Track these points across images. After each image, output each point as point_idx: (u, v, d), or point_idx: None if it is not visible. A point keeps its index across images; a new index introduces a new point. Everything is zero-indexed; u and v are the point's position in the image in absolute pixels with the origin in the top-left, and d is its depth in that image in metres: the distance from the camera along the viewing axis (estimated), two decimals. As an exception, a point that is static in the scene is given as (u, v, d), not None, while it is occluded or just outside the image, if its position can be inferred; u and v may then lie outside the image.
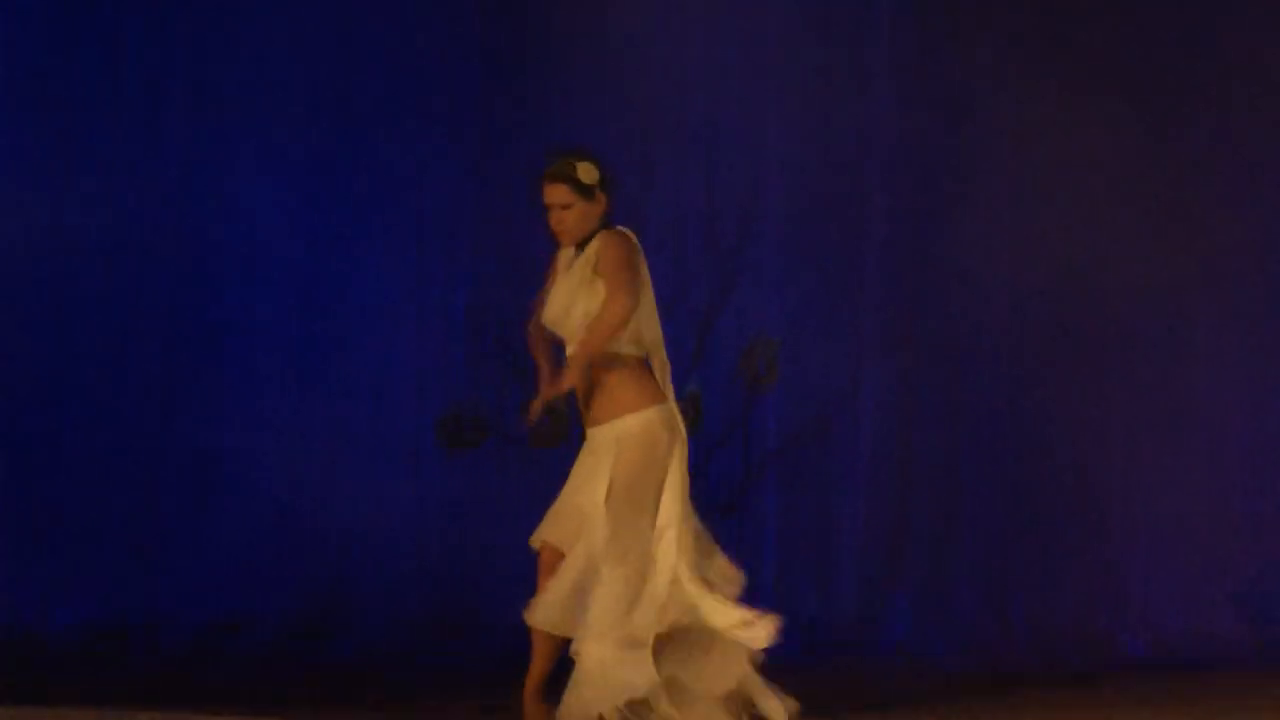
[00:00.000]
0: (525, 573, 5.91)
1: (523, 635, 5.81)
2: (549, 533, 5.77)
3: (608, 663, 5.61)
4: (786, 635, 9.39)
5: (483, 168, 9.83)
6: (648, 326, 5.92)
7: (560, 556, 5.71)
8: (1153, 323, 9.86)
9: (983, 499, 9.83)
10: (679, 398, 8.71)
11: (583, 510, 5.74)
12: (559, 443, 8.30)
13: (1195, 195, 9.82)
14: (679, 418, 5.99)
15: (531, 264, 9.32)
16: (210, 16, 9.78)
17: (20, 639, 9.27)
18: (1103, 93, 9.82)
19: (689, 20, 10.02)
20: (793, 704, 5.89)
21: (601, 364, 5.80)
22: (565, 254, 5.94)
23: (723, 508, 9.26)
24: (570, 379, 5.75)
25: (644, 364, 5.94)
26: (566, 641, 5.71)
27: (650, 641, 5.67)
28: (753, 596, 9.44)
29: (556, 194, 5.83)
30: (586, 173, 5.84)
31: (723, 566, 6.12)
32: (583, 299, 5.79)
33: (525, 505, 9.14)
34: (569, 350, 5.85)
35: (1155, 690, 7.51)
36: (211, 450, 9.66)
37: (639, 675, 5.61)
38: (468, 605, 9.62)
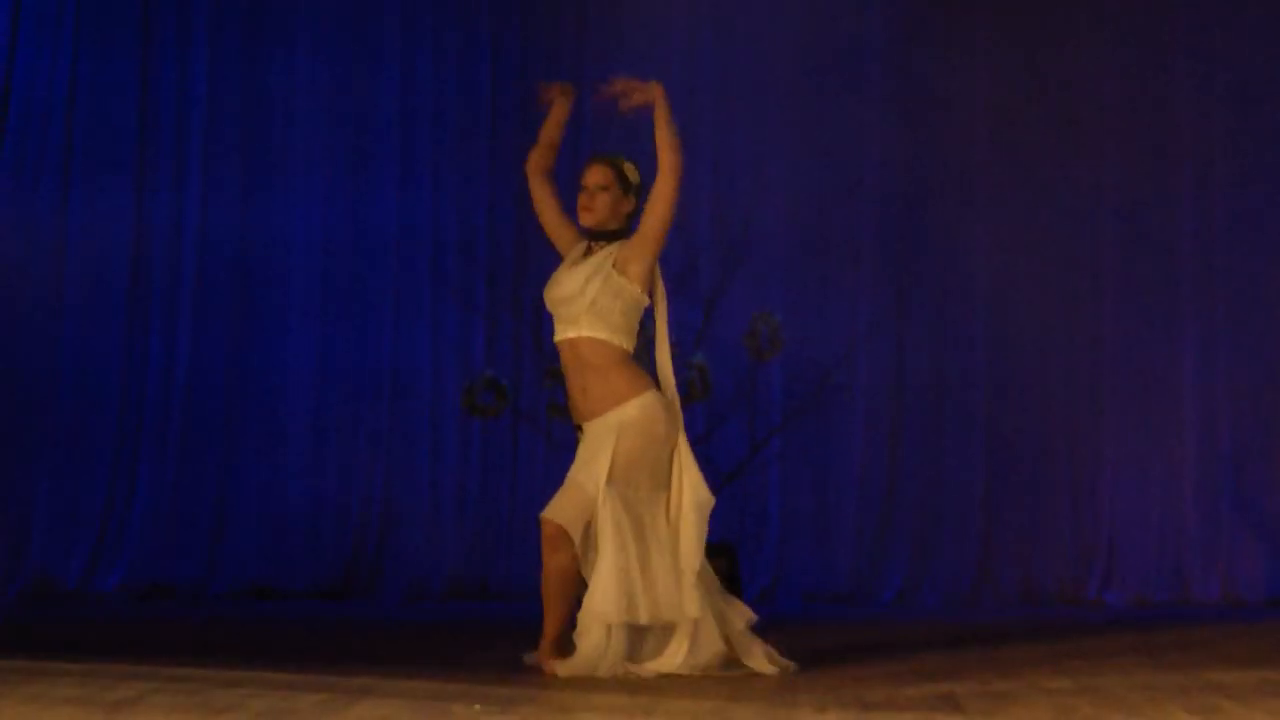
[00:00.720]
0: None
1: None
2: (553, 509, 5.78)
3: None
4: (787, 593, 9.88)
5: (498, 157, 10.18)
6: (658, 332, 5.99)
7: (561, 531, 5.71)
8: (1130, 294, 10.26)
9: (969, 463, 10.25)
10: (685, 367, 9.08)
11: (584, 489, 5.75)
12: None
13: (1159, 187, 10.24)
14: (678, 408, 5.94)
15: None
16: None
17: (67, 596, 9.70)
18: (1089, 101, 10.29)
19: (698, 20, 10.34)
20: (787, 664, 5.88)
21: (597, 357, 5.83)
22: (577, 249, 5.99)
23: (727, 475, 9.57)
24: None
25: (633, 357, 5.91)
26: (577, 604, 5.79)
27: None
28: (756, 557, 9.84)
29: (598, 174, 5.92)
30: (631, 170, 5.97)
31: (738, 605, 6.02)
32: (595, 287, 5.83)
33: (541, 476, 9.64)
34: (564, 334, 5.89)
35: (1134, 643, 7.55)
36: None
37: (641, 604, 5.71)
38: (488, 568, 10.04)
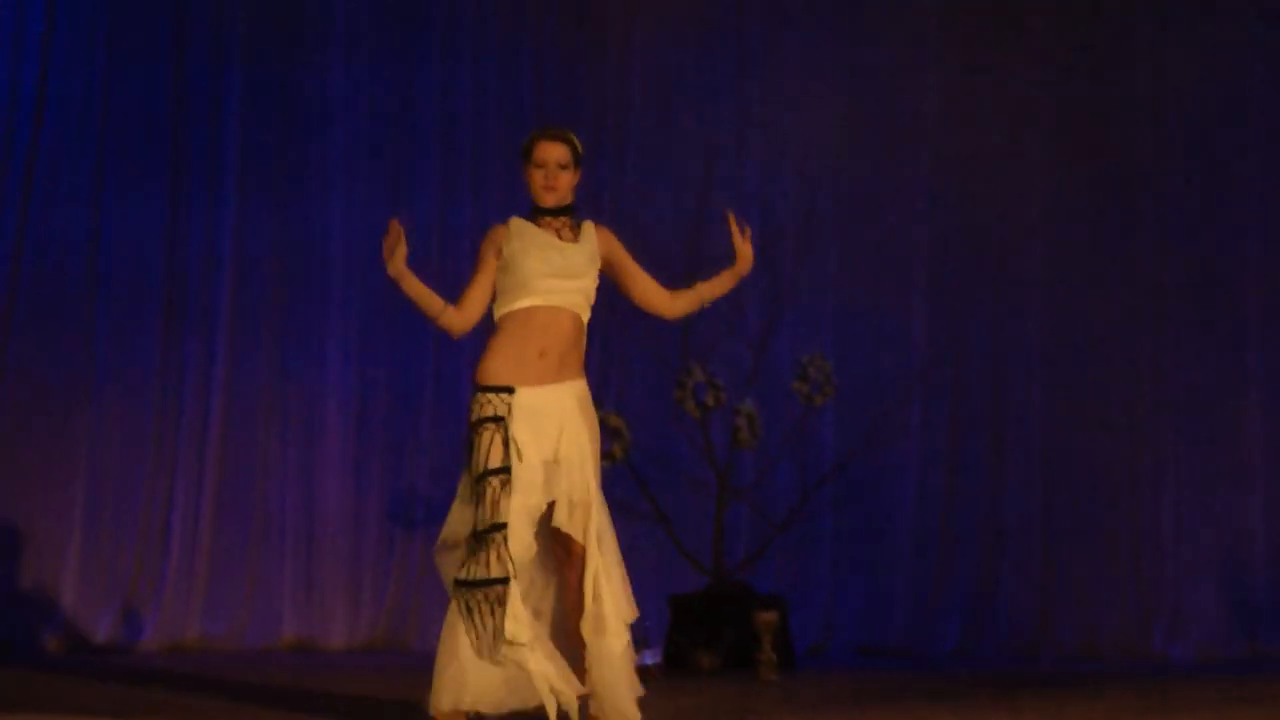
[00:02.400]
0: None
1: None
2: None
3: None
4: (840, 647, 9.69)
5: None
6: None
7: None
8: (1194, 332, 10.02)
9: (1027, 510, 9.99)
10: (732, 414, 8.94)
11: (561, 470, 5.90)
12: None
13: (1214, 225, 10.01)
14: None
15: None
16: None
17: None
18: (1148, 131, 10.09)
19: (747, 54, 10.21)
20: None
21: (577, 335, 6.00)
22: (543, 229, 6.03)
23: (778, 525, 9.42)
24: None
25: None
26: None
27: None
28: (807, 610, 9.65)
29: (559, 152, 6.03)
30: (579, 144, 6.11)
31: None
32: (589, 274, 6.01)
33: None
34: (551, 301, 5.92)
35: (1191, 694, 7.54)
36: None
37: None
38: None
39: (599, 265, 6.07)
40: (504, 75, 10.25)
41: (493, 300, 6.05)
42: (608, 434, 9.09)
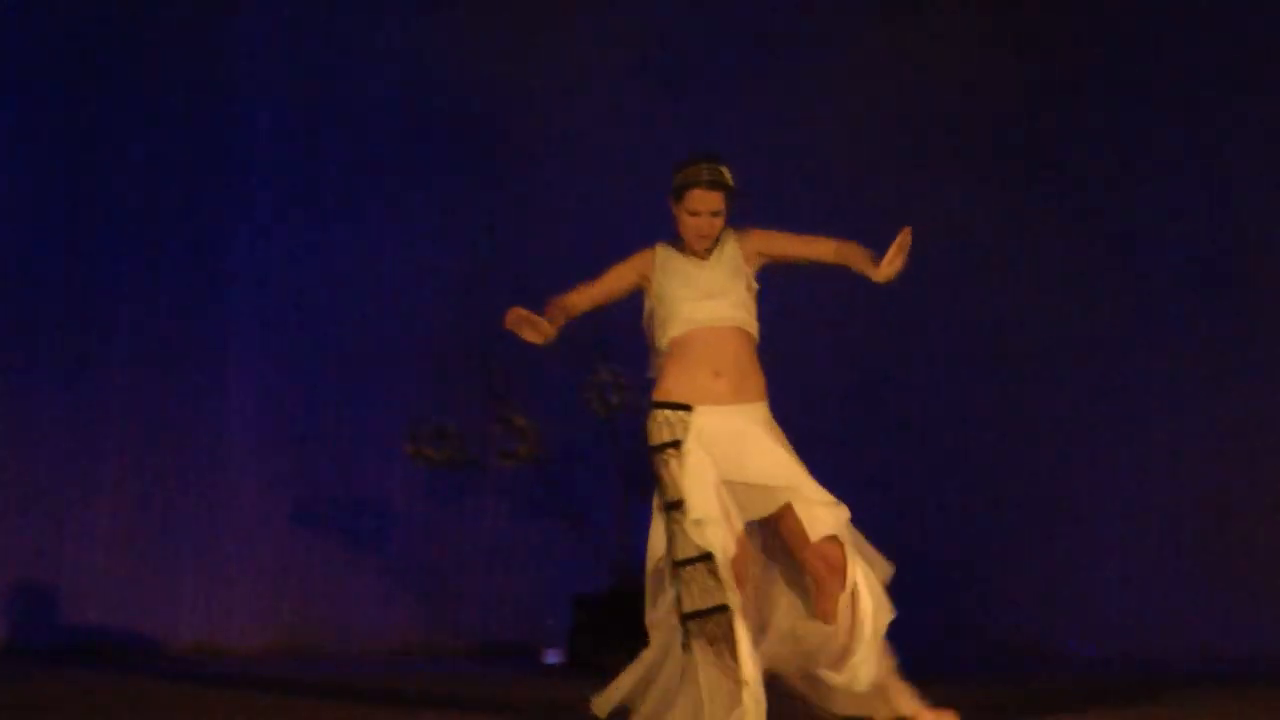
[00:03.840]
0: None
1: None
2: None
3: None
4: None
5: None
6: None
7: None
8: (1112, 342, 10.08)
9: (944, 511, 10.06)
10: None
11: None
12: None
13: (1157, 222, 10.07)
14: None
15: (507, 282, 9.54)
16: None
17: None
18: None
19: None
20: None
21: (745, 343, 5.96)
22: (670, 254, 6.01)
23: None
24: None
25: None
26: None
27: None
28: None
29: (714, 202, 5.93)
30: (731, 179, 6.00)
31: None
32: (735, 288, 5.93)
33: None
34: (707, 324, 5.90)
35: (1105, 691, 7.57)
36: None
37: None
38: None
39: (748, 273, 6.00)
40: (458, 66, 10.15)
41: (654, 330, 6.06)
42: (514, 433, 9.03)
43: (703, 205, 5.92)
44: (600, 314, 9.47)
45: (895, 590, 6.18)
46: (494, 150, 10.02)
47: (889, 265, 5.83)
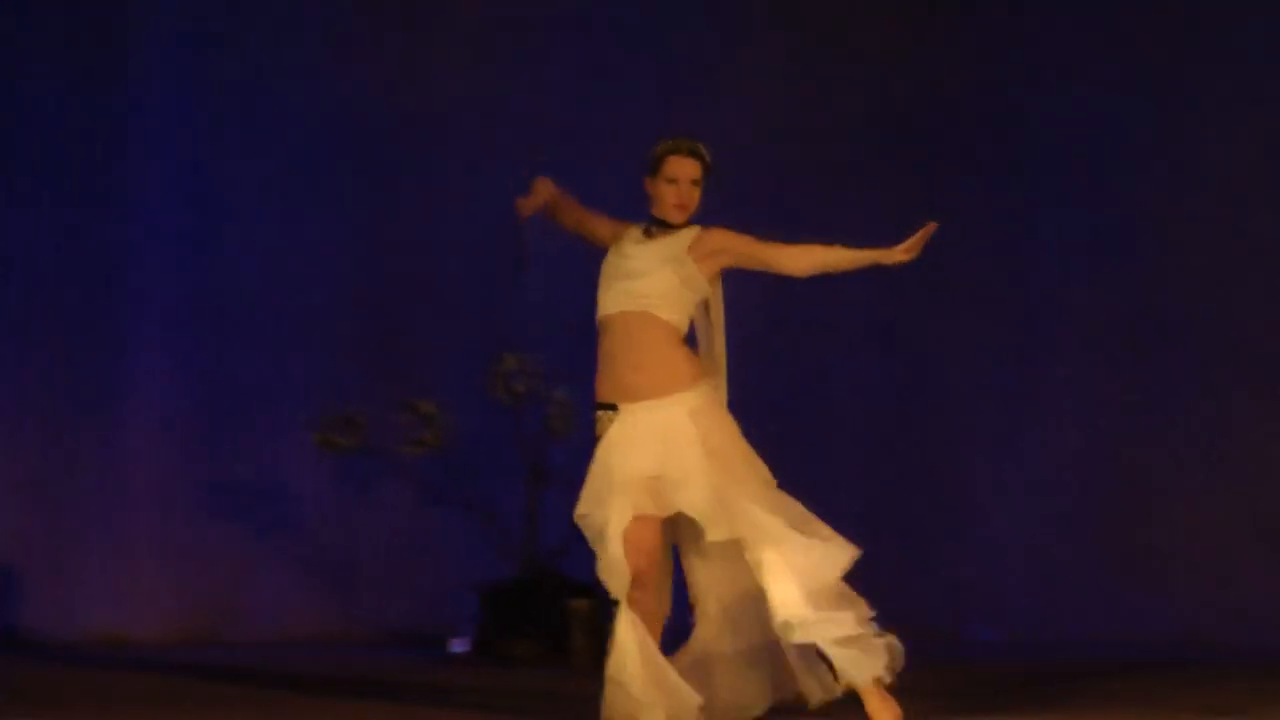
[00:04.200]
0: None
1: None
2: None
3: None
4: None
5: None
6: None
7: None
8: (1004, 325, 10.13)
9: (842, 494, 10.02)
10: (550, 400, 8.91)
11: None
12: None
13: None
14: None
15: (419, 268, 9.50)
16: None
17: None
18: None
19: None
20: None
21: (657, 331, 5.86)
22: (632, 230, 5.94)
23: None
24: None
25: None
26: None
27: None
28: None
29: (693, 169, 5.86)
30: (709, 156, 5.95)
31: None
32: (660, 273, 5.82)
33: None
34: (615, 309, 5.81)
35: (1003, 677, 7.64)
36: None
37: None
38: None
39: (693, 268, 5.85)
40: (319, 57, 10.07)
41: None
42: (421, 421, 9.01)
43: (681, 171, 5.85)
44: (506, 301, 9.57)
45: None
46: (397, 134, 9.98)
47: (909, 251, 5.93)
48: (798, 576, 5.76)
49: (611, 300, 5.85)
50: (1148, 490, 9.92)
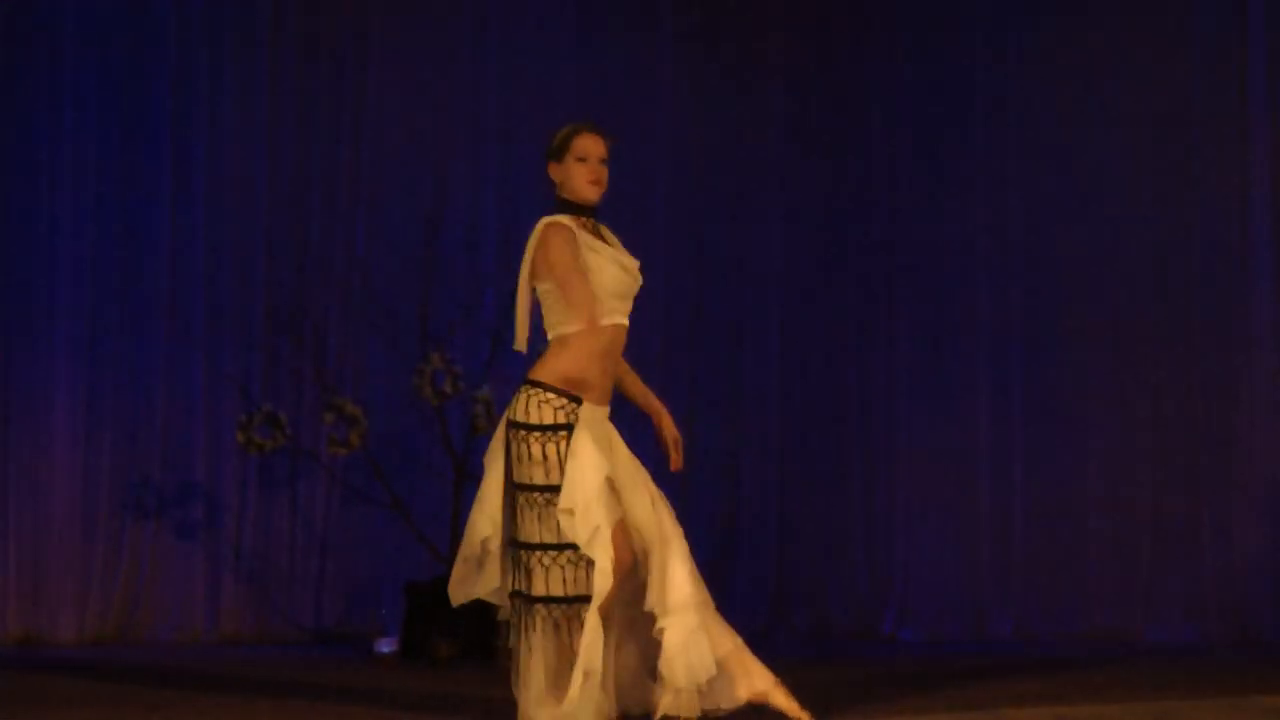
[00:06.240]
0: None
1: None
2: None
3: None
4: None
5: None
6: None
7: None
8: (921, 327, 10.28)
9: (761, 494, 10.20)
10: (471, 400, 8.94)
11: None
12: None
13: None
14: None
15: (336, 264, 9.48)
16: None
17: None
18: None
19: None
20: None
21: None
22: (583, 231, 5.65)
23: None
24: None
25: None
26: None
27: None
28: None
29: (602, 147, 5.68)
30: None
31: None
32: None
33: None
34: (618, 320, 5.66)
35: (922, 673, 7.70)
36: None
37: None
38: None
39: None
40: (237, 60, 10.04)
41: (539, 316, 5.68)
42: (344, 422, 9.02)
43: (592, 148, 5.66)
44: (429, 301, 9.60)
45: (719, 577, 6.20)
46: (318, 129, 10.00)
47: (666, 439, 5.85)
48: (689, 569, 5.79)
49: (612, 311, 5.64)
50: (1049, 498, 10.07)
